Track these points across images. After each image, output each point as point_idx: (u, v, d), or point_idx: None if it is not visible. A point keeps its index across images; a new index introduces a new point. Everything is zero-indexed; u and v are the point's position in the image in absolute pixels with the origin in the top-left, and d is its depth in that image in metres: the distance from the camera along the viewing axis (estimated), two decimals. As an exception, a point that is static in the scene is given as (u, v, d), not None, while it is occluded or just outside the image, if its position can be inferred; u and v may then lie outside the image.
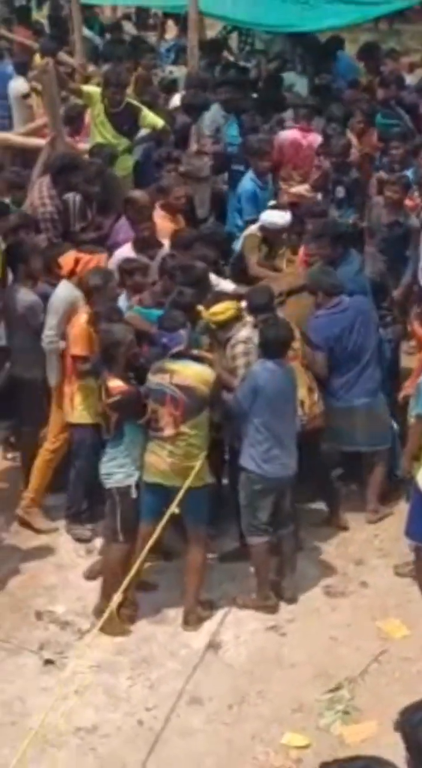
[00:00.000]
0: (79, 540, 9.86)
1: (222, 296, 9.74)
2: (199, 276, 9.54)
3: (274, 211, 11.47)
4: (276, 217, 11.33)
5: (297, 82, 16.01)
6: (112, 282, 9.63)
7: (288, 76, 16.36)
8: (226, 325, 9.37)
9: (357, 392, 9.81)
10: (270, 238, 11.38)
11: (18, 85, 15.18)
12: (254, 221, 11.72)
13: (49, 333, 9.75)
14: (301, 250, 11.10)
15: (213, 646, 8.73)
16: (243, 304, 9.60)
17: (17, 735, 7.86)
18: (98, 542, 9.69)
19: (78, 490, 9.93)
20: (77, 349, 9.47)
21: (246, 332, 9.29)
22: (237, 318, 9.38)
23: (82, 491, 9.91)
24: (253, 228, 11.51)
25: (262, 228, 11.36)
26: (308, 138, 13.58)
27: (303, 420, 9.26)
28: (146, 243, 10.61)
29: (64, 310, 9.76)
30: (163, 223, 11.22)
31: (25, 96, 15.08)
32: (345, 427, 9.80)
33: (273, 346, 8.89)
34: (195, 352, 8.87)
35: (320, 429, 9.62)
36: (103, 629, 8.43)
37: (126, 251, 10.54)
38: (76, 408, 9.62)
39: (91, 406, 9.46)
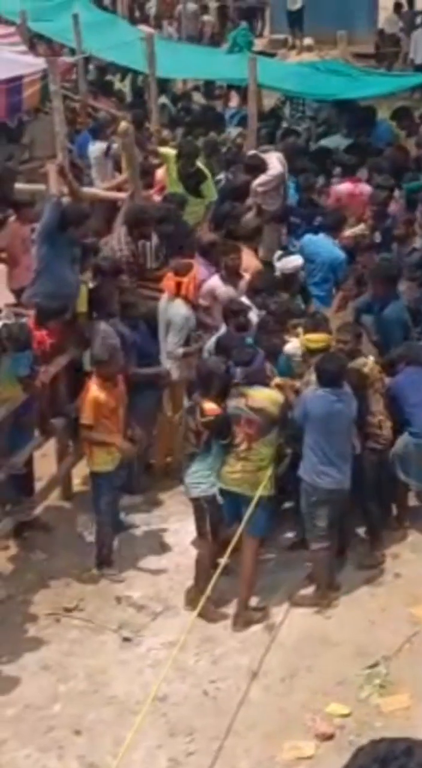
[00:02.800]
0: (114, 581, 9.31)
1: (322, 327, 9.66)
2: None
3: (288, 257, 11.34)
4: (292, 262, 11.21)
5: (342, 144, 15.95)
6: (117, 356, 9.37)
7: (335, 139, 16.31)
8: (317, 353, 9.26)
9: None
10: (288, 281, 11.08)
11: (95, 148, 15.40)
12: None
13: (172, 344, 10.26)
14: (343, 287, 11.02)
15: (267, 627, 8.67)
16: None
17: (99, 702, 7.91)
18: (171, 539, 9.69)
19: (107, 534, 9.46)
20: (84, 418, 9.20)
21: None
22: (327, 350, 9.28)
23: (111, 535, 9.50)
24: None
25: (283, 274, 11.09)
26: (359, 187, 13.52)
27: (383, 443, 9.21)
28: (231, 273, 10.75)
29: (184, 325, 10.27)
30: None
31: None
32: None
33: (325, 376, 8.76)
34: (277, 379, 8.96)
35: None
36: (201, 615, 8.43)
37: (215, 281, 10.69)
38: (95, 459, 9.34)
39: (109, 455, 9.29)
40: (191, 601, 8.74)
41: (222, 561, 8.40)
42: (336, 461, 8.73)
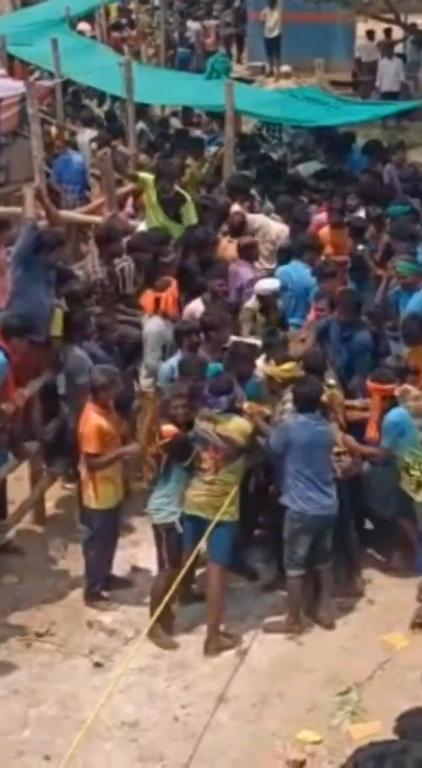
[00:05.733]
0: (107, 610, 9.18)
1: (291, 357, 9.60)
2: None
3: (265, 279, 11.26)
4: (267, 284, 11.08)
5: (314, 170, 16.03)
6: (116, 380, 9.20)
7: (311, 165, 16.36)
8: (288, 382, 9.23)
9: None
10: (266, 305, 10.90)
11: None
12: None
13: (149, 362, 10.32)
14: (313, 307, 10.97)
15: (239, 653, 8.64)
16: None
17: (70, 727, 7.83)
18: (142, 564, 9.65)
19: (99, 570, 9.24)
20: (90, 447, 8.92)
21: None
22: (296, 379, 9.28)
23: (103, 572, 9.28)
24: (249, 302, 11.08)
25: (259, 297, 10.93)
26: None
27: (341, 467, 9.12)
28: (215, 298, 10.68)
29: (158, 342, 10.30)
30: None
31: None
32: None
33: (304, 402, 8.78)
34: (246, 404, 8.92)
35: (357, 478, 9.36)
36: (159, 645, 8.54)
37: (197, 305, 10.59)
38: (99, 496, 9.02)
39: (111, 492, 9.09)
40: (151, 632, 8.58)
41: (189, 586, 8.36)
42: (321, 486, 8.71)
